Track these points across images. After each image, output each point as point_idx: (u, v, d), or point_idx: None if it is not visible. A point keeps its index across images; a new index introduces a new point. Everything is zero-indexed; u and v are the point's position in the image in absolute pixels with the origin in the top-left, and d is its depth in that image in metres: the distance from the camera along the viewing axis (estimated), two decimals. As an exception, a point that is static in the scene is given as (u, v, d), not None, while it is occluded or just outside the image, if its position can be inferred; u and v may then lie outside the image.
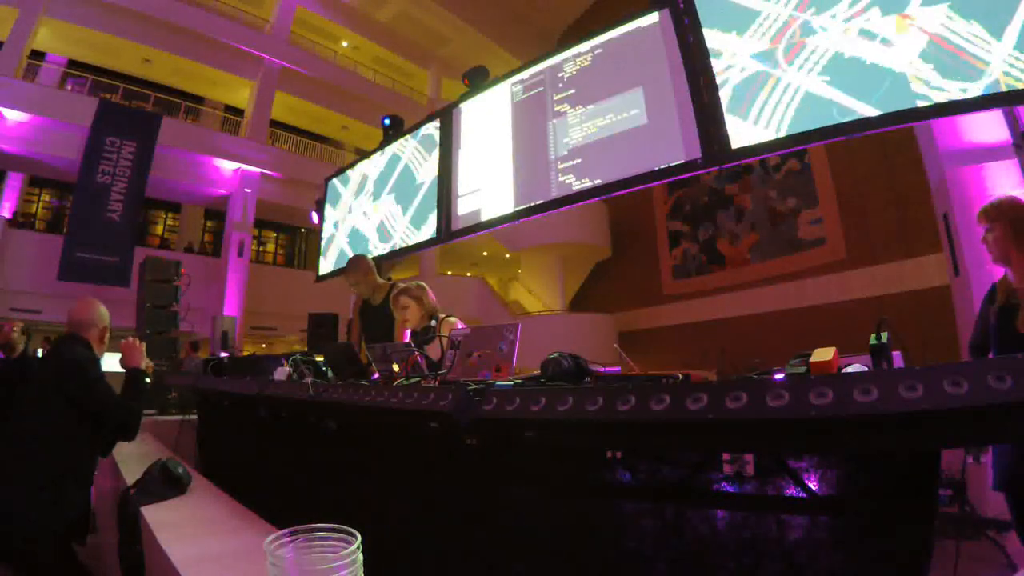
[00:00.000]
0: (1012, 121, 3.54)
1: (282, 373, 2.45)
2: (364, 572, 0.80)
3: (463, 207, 3.89)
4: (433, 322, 2.65)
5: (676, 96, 2.76)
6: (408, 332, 2.79)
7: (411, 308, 2.66)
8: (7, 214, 11.10)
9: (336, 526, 0.79)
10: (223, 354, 5.92)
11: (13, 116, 10.18)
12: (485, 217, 3.70)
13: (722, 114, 2.56)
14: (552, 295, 14.99)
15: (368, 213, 4.95)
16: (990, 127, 3.73)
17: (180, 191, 13.32)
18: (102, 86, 12.20)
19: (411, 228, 4.35)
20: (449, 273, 16.40)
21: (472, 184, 3.86)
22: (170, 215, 14.90)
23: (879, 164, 8.94)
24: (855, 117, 2.18)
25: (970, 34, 1.97)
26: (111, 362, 2.08)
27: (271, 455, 2.69)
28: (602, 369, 1.32)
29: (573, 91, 3.32)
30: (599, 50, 3.24)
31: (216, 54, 12.84)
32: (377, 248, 4.69)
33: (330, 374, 2.18)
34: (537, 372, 1.33)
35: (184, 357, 6.41)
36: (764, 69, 2.48)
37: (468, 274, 17.56)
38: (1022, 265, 1.64)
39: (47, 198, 13.02)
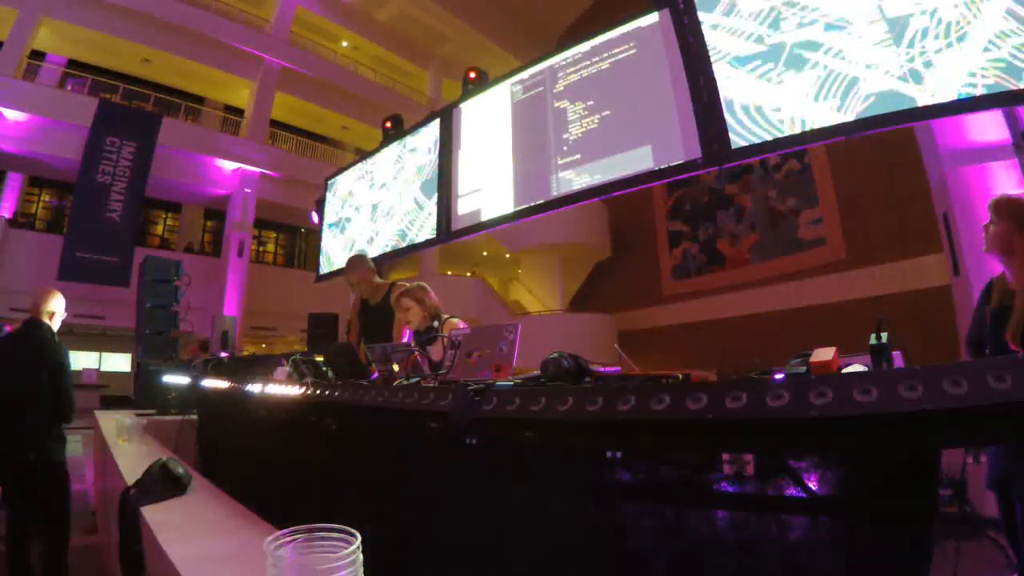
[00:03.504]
0: (1012, 121, 3.54)
1: (282, 373, 2.45)
2: (364, 572, 0.80)
3: (463, 207, 3.89)
4: (436, 323, 2.65)
5: (676, 96, 2.77)
6: (408, 332, 2.79)
7: (413, 309, 2.67)
8: (7, 214, 11.10)
9: (336, 526, 0.79)
10: (223, 354, 5.91)
11: (13, 116, 10.18)
12: (485, 217, 3.70)
13: (722, 114, 2.56)
14: (552, 295, 14.98)
15: (367, 213, 4.95)
16: (990, 127, 3.73)
17: (180, 191, 13.33)
18: (102, 86, 12.20)
19: (411, 228, 4.35)
20: (449, 273, 16.39)
21: (472, 184, 3.86)
22: (170, 215, 14.90)
23: (879, 164, 8.93)
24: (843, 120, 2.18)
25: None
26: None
27: (271, 455, 2.69)
28: (602, 369, 1.32)
29: (573, 91, 3.33)
30: (599, 50, 3.24)
31: (216, 54, 12.83)
32: (377, 248, 4.69)
33: (330, 374, 2.18)
34: (537, 372, 1.32)
35: (192, 357, 6.39)
36: (760, 68, 2.48)
37: (468, 274, 17.55)
38: (1022, 265, 1.63)
39: (47, 198, 13.02)
